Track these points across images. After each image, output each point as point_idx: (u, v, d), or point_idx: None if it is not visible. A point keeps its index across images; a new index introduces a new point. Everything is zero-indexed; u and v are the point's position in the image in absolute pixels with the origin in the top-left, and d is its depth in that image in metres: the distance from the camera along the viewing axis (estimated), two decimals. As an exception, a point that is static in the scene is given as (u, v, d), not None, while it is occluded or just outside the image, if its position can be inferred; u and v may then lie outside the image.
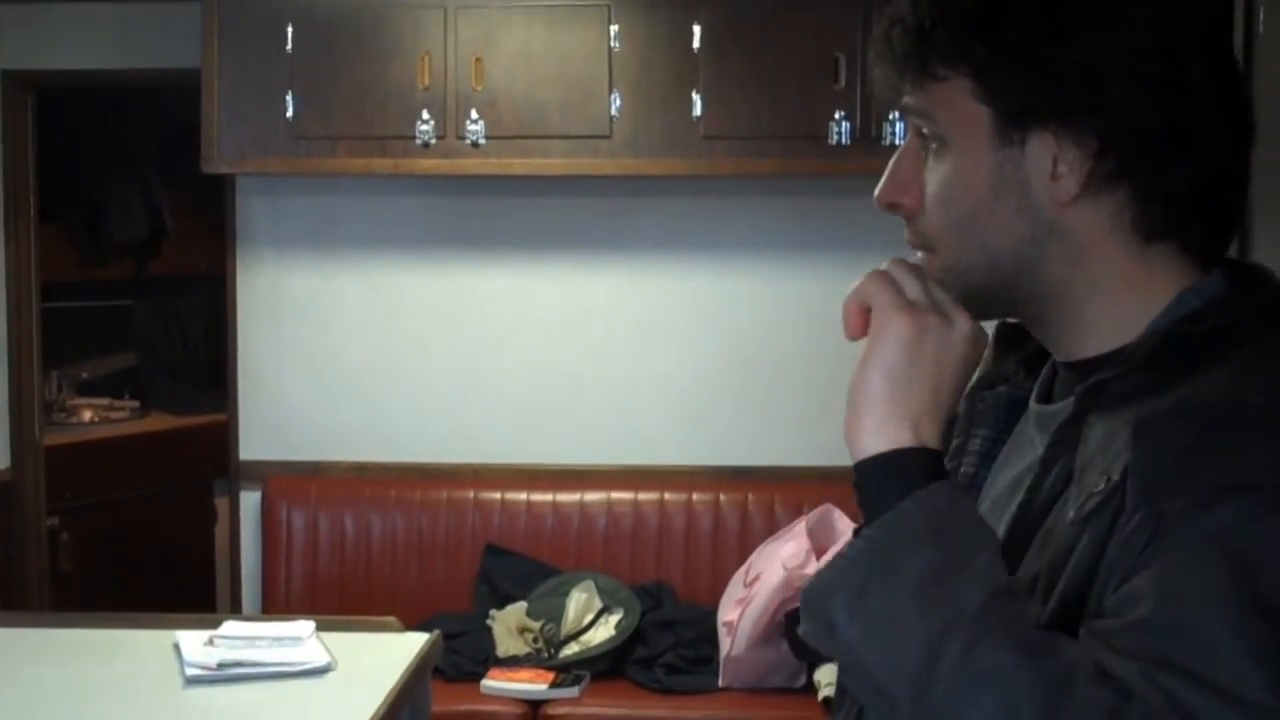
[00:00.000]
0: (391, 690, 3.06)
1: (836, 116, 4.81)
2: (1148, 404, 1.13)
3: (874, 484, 1.22)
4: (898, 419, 1.23)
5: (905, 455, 1.22)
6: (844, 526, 4.87)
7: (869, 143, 4.75)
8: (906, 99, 1.32)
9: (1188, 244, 1.28)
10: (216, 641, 3.31)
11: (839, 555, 1.20)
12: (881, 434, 1.23)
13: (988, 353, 1.43)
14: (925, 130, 1.32)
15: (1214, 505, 1.10)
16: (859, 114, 4.82)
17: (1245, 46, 2.52)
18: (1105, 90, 1.23)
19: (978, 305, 1.33)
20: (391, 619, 3.63)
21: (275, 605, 5.29)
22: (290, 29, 4.95)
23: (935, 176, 1.32)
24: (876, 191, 1.35)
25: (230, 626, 3.39)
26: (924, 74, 1.29)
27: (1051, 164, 1.26)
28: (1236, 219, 1.33)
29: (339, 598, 5.25)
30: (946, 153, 1.31)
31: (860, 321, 1.28)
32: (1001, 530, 1.31)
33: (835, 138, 4.84)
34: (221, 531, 5.45)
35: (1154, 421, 1.13)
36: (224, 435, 5.57)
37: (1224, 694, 1.05)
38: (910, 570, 1.15)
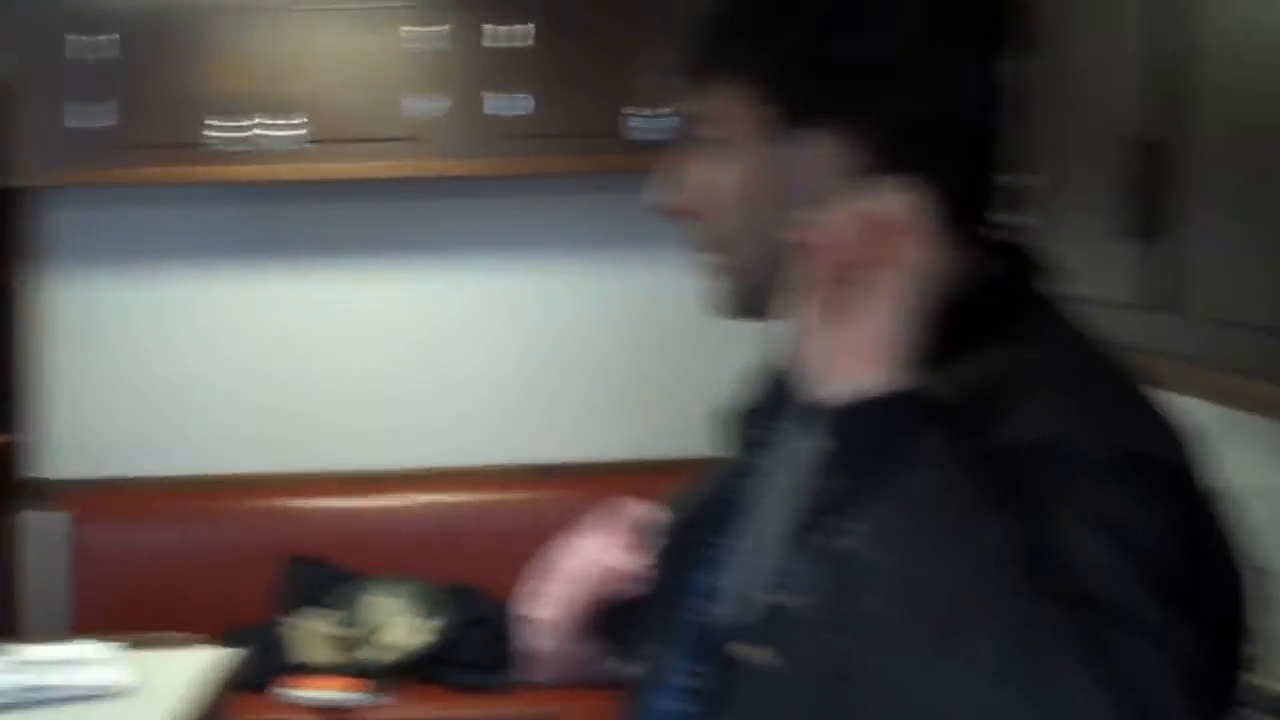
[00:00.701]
0: (191, 707, 3.04)
1: (634, 113, 4.83)
2: (931, 384, 1.14)
3: (878, 426, 1.11)
4: (905, 358, 1.13)
5: (908, 398, 1.13)
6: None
7: (667, 138, 4.77)
8: (689, 103, 1.35)
9: (968, 228, 1.30)
10: (16, 666, 3.26)
11: (850, 500, 1.10)
12: (884, 373, 1.12)
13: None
14: (709, 133, 1.34)
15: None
16: (658, 111, 4.84)
17: (1030, 28, 2.57)
18: (879, 85, 1.26)
19: (763, 304, 1.35)
20: (192, 635, 3.59)
21: (82, 624, 5.14)
22: (118, 37, 4.82)
23: (721, 179, 1.34)
24: (662, 197, 1.38)
25: (31, 650, 3.34)
26: (704, 78, 1.32)
27: (833, 161, 1.28)
28: (1009, 202, 1.38)
29: (147, 615, 5.11)
30: (731, 155, 1.33)
31: (870, 235, 1.15)
32: (784, 516, 1.31)
33: (633, 134, 4.85)
34: (26, 552, 5.31)
35: (945, 408, 1.15)
36: (10, 456, 5.40)
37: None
38: (948, 512, 1.07)
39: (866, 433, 1.11)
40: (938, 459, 1.08)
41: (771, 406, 1.46)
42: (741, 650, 1.32)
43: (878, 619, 1.06)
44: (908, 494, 1.06)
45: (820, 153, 1.28)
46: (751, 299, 1.35)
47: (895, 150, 1.26)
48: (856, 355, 1.11)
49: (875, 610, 1.06)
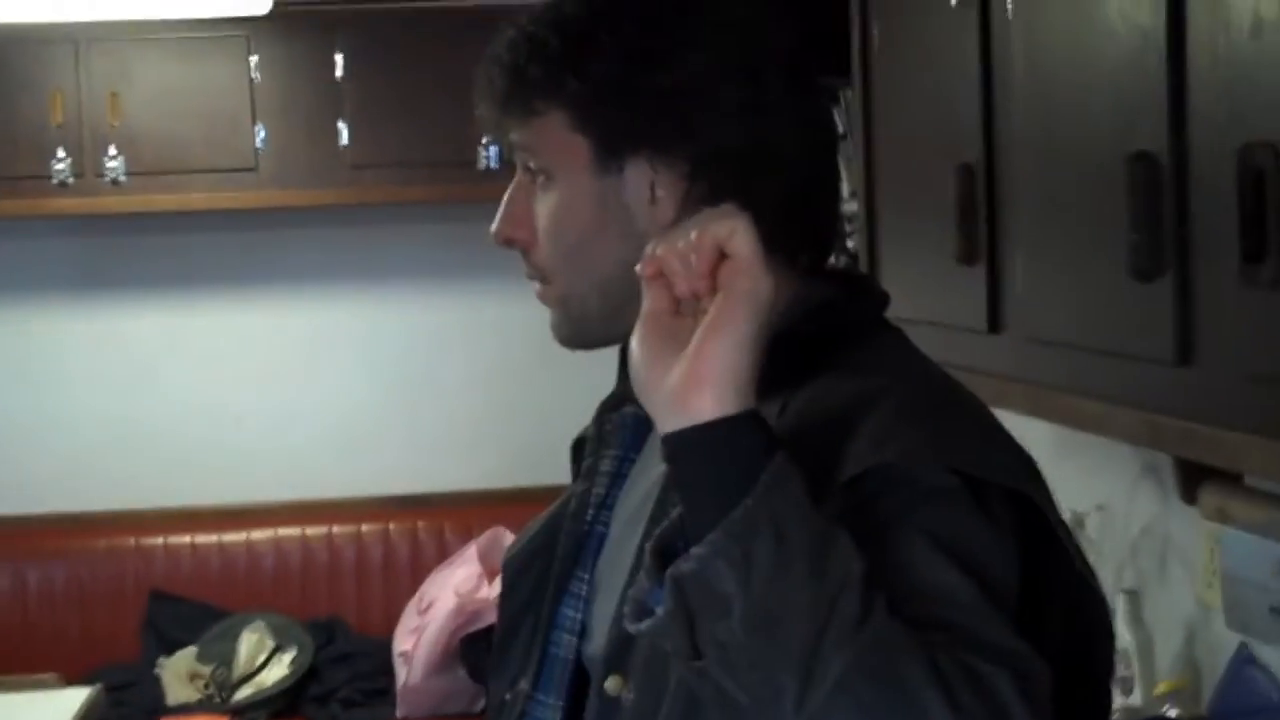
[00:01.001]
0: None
1: (485, 141, 4.83)
2: (765, 414, 1.13)
3: (723, 451, 1.09)
4: (746, 385, 1.09)
5: (752, 421, 1.10)
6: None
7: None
8: (511, 135, 1.36)
9: (790, 256, 1.32)
10: None
11: (698, 525, 1.07)
12: (725, 400, 1.08)
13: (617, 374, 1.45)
14: (531, 164, 1.36)
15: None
16: (492, 140, 4.85)
17: (862, 61, 2.63)
18: (691, 115, 1.28)
19: (594, 333, 1.37)
20: (49, 675, 3.51)
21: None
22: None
23: (543, 209, 1.36)
24: (492, 227, 1.38)
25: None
26: (523, 109, 1.33)
27: (649, 189, 1.30)
28: (832, 228, 1.40)
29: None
30: (552, 185, 1.35)
31: (707, 264, 1.11)
32: (634, 546, 1.32)
33: (484, 162, 4.86)
34: None
35: (784, 437, 1.16)
36: None
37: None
38: (799, 536, 1.06)
39: (706, 460, 1.09)
40: (780, 485, 1.07)
41: (621, 435, 1.46)
42: (604, 682, 1.32)
43: (731, 645, 1.05)
44: (753, 520, 1.05)
45: (639, 182, 1.31)
46: (580, 328, 1.37)
47: (713, 179, 1.27)
48: (695, 384, 1.08)
49: (727, 637, 1.05)
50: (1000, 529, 1.18)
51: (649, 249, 1.14)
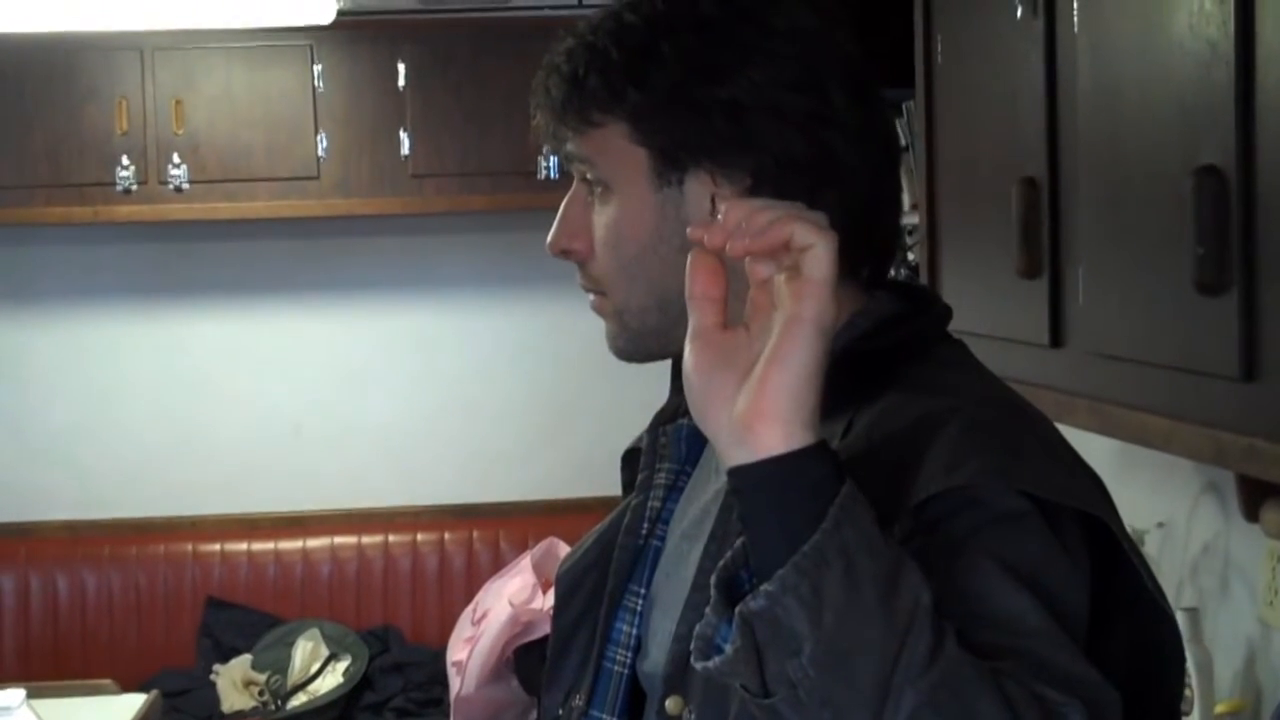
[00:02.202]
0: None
1: (545, 151, 4.84)
2: (830, 432, 1.12)
3: (791, 485, 1.05)
4: (812, 416, 1.06)
5: (819, 452, 1.07)
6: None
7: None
8: (569, 146, 1.35)
9: (852, 269, 1.30)
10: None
11: (765, 559, 1.04)
12: (793, 435, 1.05)
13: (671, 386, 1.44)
14: (589, 175, 1.35)
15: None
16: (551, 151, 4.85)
17: (925, 73, 2.62)
18: (753, 126, 1.26)
19: (650, 345, 1.35)
20: (107, 681, 3.54)
21: (-15, 674, 5.09)
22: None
23: (601, 220, 1.34)
24: (548, 239, 1.37)
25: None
26: (582, 121, 1.32)
27: (710, 201, 1.28)
28: (893, 241, 1.38)
29: (54, 662, 5.07)
30: (610, 196, 1.33)
31: (771, 248, 1.06)
32: (695, 560, 1.32)
33: (544, 172, 4.87)
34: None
35: (850, 458, 1.14)
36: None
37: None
38: (869, 569, 1.03)
39: (774, 494, 1.05)
40: (849, 517, 1.04)
41: (676, 448, 1.45)
42: (663, 701, 1.31)
43: (801, 683, 1.02)
44: (822, 554, 1.02)
45: (699, 194, 1.29)
46: (636, 341, 1.35)
47: (774, 190, 1.24)
48: (761, 419, 1.04)
49: (798, 675, 1.02)
50: (1072, 553, 1.17)
51: (721, 210, 1.09)
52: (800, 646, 1.02)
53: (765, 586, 1.02)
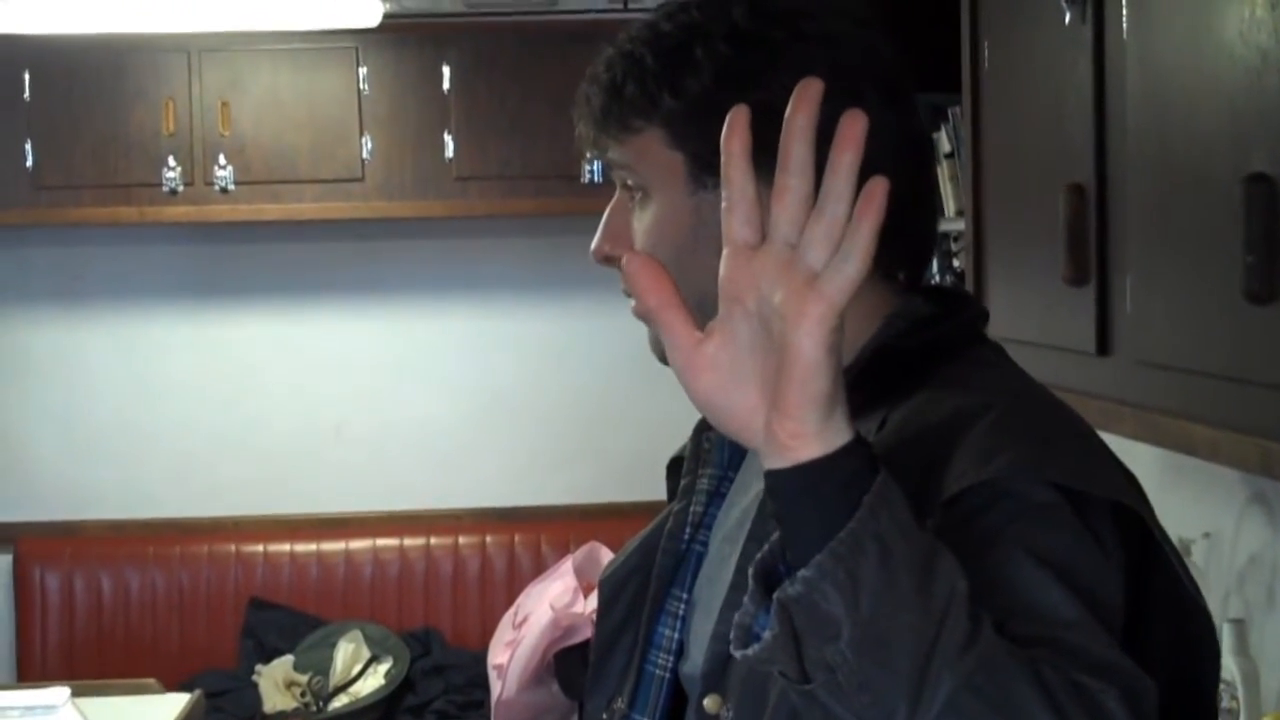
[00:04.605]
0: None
1: (589, 155, 4.85)
2: (864, 429, 1.12)
3: (827, 480, 1.04)
4: (842, 416, 1.05)
5: (854, 447, 1.06)
6: (611, 563, 4.88)
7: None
8: (609, 153, 1.37)
9: (887, 271, 1.31)
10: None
11: (801, 548, 1.04)
12: (828, 440, 1.04)
13: None
14: (629, 181, 1.37)
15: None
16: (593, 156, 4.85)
17: (972, 79, 2.60)
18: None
19: None
20: (151, 681, 3.55)
21: (30, 672, 5.12)
22: (27, 76, 4.83)
23: (640, 225, 1.36)
24: (592, 245, 1.40)
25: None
26: (621, 127, 1.34)
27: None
28: (929, 244, 1.38)
29: (98, 661, 5.10)
30: (649, 202, 1.36)
31: (840, 229, 1.03)
32: (734, 563, 1.32)
33: (588, 176, 4.88)
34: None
35: (883, 454, 1.14)
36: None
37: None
38: (904, 555, 1.03)
39: (809, 491, 1.05)
40: (884, 505, 1.03)
41: (719, 454, 1.46)
42: (702, 701, 1.32)
43: (840, 668, 1.02)
44: (858, 541, 1.02)
45: None
46: None
47: None
48: (795, 435, 1.03)
49: (837, 660, 1.02)
50: (1103, 543, 1.17)
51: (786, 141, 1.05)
52: (838, 631, 1.02)
53: (802, 573, 1.03)
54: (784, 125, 1.05)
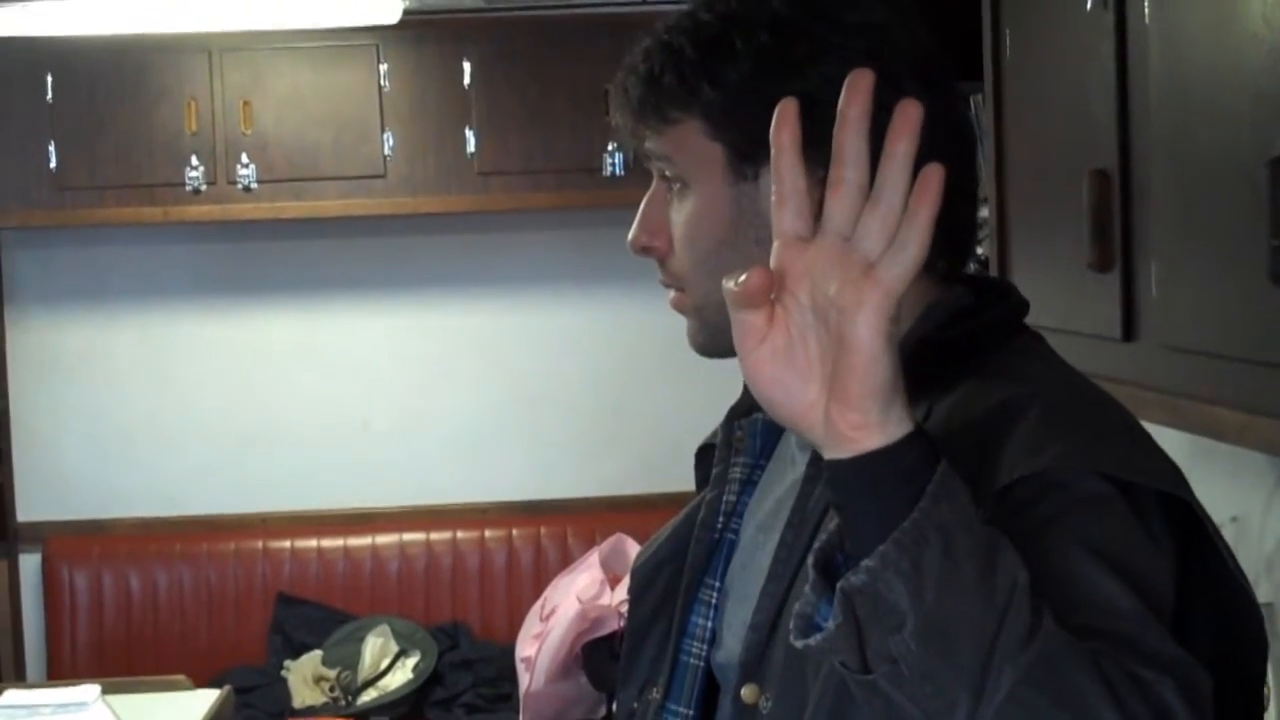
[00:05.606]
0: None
1: (610, 148, 4.85)
2: None
3: (889, 470, 1.04)
4: (903, 406, 1.05)
5: (915, 436, 1.06)
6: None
7: (643, 173, 4.78)
8: (647, 144, 1.37)
9: (929, 261, 1.30)
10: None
11: (863, 539, 1.04)
12: (889, 430, 1.04)
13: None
14: (667, 173, 1.37)
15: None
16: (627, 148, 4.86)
17: (994, 66, 2.60)
18: (828, 119, 1.22)
19: (731, 341, 1.35)
20: (180, 677, 3.56)
21: (61, 670, 5.15)
22: (50, 78, 4.84)
23: (679, 216, 1.36)
24: (629, 237, 1.40)
25: (11, 695, 3.28)
26: (659, 118, 1.34)
27: None
28: (971, 234, 1.39)
29: (127, 658, 5.12)
30: (688, 193, 1.35)
31: (894, 222, 1.04)
32: (770, 550, 1.32)
33: (609, 169, 4.88)
34: None
35: None
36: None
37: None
38: (967, 545, 1.03)
39: (871, 482, 1.04)
40: (946, 495, 1.03)
41: (751, 442, 1.46)
42: (738, 690, 1.31)
43: (903, 659, 1.02)
44: (921, 531, 1.02)
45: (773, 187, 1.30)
46: (716, 336, 1.33)
47: None
48: (856, 426, 1.03)
49: (900, 651, 1.02)
50: (1155, 535, 1.17)
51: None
52: (902, 622, 1.02)
53: (866, 562, 1.02)
54: (837, 117, 1.05)
